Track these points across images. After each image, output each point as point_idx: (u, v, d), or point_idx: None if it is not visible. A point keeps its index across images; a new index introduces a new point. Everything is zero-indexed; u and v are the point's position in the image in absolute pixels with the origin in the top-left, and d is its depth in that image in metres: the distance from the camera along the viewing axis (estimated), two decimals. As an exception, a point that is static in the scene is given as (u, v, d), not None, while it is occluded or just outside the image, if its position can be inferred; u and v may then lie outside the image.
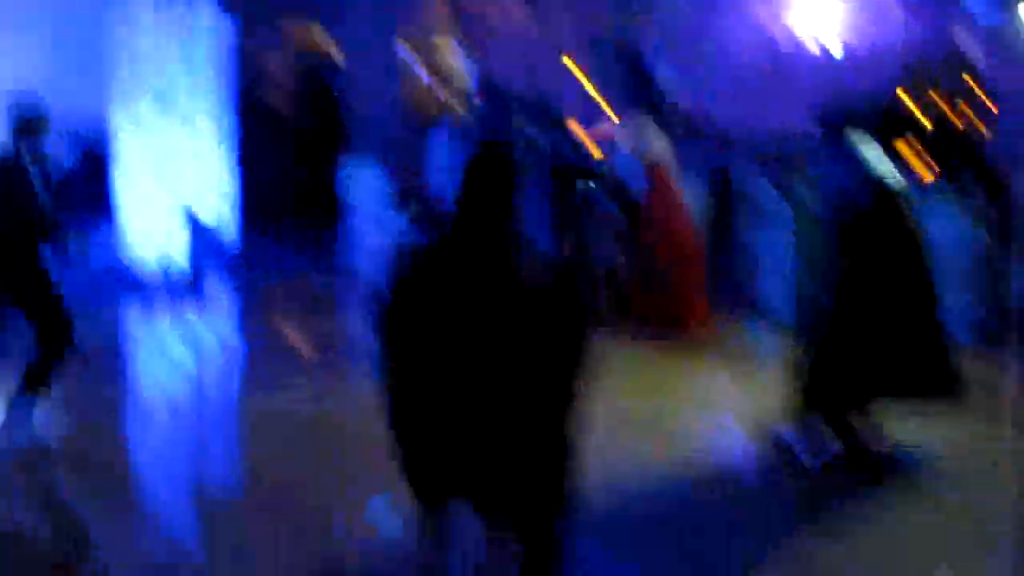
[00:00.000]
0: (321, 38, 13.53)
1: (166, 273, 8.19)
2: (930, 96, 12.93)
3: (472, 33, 16.12)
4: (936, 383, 4.86)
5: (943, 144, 11.61)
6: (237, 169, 10.17)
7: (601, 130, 7.74)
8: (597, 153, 7.17)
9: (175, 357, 7.00)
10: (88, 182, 9.07)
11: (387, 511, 4.02)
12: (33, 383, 5.03)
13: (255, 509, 4.43)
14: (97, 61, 8.12)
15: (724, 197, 9.16)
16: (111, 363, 6.68)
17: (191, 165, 9.09)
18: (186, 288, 8.32)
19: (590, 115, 8.63)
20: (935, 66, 13.26)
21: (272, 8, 13.12)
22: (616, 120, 7.49)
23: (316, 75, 11.69)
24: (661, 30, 16.15)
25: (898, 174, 5.00)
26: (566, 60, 15.07)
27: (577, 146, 7.21)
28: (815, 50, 15.12)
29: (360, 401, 3.31)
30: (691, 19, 16.07)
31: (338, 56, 12.70)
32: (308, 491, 4.50)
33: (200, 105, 9.08)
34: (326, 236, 10.18)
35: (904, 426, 4.94)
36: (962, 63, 13.20)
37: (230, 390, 6.48)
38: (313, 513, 4.27)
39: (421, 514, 3.03)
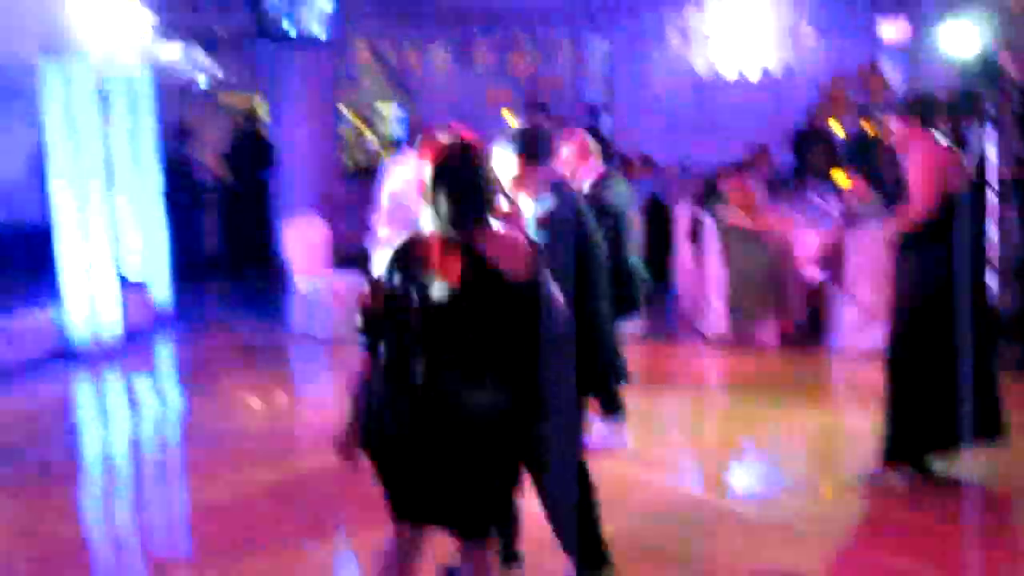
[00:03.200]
0: (254, 103, 13.77)
1: (101, 337, 8.16)
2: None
3: (411, 95, 16.47)
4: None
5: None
6: (170, 230, 10.27)
7: None
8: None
9: (115, 419, 7.00)
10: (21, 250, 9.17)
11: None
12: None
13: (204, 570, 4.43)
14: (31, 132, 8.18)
15: (658, 221, 9.42)
16: (52, 428, 6.67)
17: (124, 229, 9.16)
18: (122, 351, 8.30)
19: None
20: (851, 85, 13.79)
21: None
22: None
23: (249, 137, 11.87)
24: (599, 80, 16.66)
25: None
26: (504, 112, 15.41)
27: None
28: (737, 86, 15.66)
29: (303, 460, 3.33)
30: (622, 69, 16.59)
31: (268, 118, 12.94)
32: (257, 552, 4.51)
33: (133, 169, 9.16)
34: (263, 291, 10.30)
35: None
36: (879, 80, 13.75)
37: (170, 450, 6.45)
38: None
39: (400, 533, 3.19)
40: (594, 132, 8.48)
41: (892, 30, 14.61)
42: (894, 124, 4.95)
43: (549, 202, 3.79)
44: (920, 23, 13.39)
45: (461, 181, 3.05)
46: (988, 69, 6.52)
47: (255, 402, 7.07)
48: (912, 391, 4.85)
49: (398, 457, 3.05)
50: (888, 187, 8.82)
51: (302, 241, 8.91)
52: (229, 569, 4.36)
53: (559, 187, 3.89)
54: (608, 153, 6.84)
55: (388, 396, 3.04)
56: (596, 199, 5.14)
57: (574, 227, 3.76)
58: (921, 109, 4.84)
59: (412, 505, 3.11)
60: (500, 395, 2.99)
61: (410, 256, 3.04)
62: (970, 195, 4.81)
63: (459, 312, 2.97)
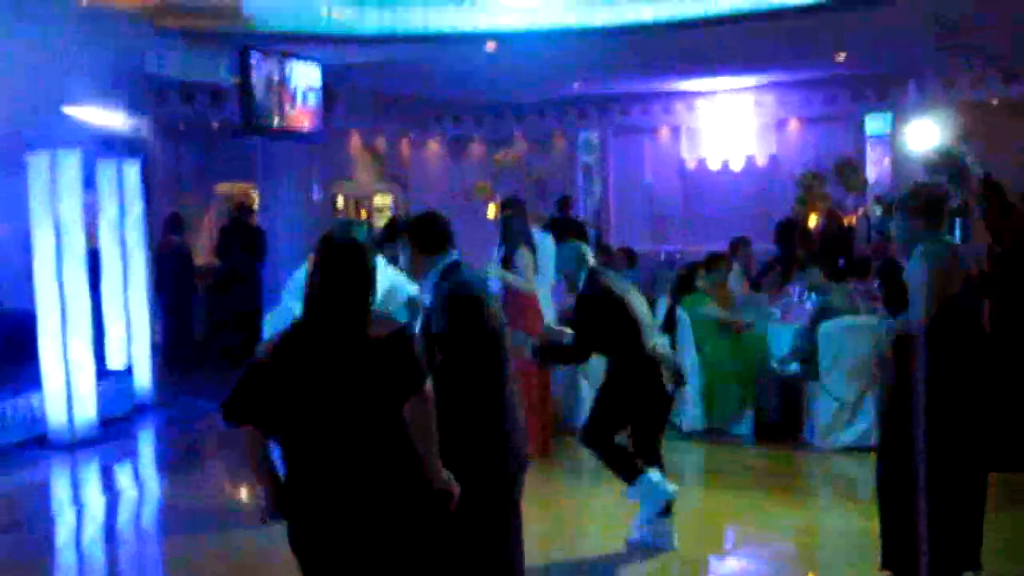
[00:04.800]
0: (244, 192, 13.97)
1: (77, 424, 8.17)
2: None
3: (403, 186, 16.73)
4: None
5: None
6: (160, 317, 10.36)
7: None
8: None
9: (87, 506, 7.00)
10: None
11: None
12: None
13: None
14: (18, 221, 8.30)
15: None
16: (26, 515, 6.66)
17: (109, 317, 9.26)
18: (99, 438, 8.30)
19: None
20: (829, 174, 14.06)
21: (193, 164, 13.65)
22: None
23: (241, 226, 12.02)
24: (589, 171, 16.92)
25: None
26: (490, 206, 15.61)
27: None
28: (722, 176, 15.90)
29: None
30: (611, 161, 16.85)
31: (257, 207, 13.12)
32: None
33: (120, 257, 9.28)
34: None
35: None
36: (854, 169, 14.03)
37: (150, 539, 6.44)
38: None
39: None
40: (563, 223, 8.60)
41: (876, 123, 14.91)
42: (897, 224, 4.72)
43: (443, 287, 3.92)
44: (902, 117, 13.66)
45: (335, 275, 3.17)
46: (950, 162, 6.57)
47: (231, 488, 7.04)
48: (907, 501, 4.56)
49: (326, 553, 3.09)
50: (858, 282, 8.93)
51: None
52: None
53: (452, 272, 3.97)
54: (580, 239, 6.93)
55: (300, 488, 3.12)
56: None
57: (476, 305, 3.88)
58: (926, 208, 4.57)
59: None
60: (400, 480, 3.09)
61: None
62: (970, 295, 4.58)
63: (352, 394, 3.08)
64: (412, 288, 4.87)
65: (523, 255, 7.12)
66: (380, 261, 3.80)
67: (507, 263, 7.12)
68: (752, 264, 10.26)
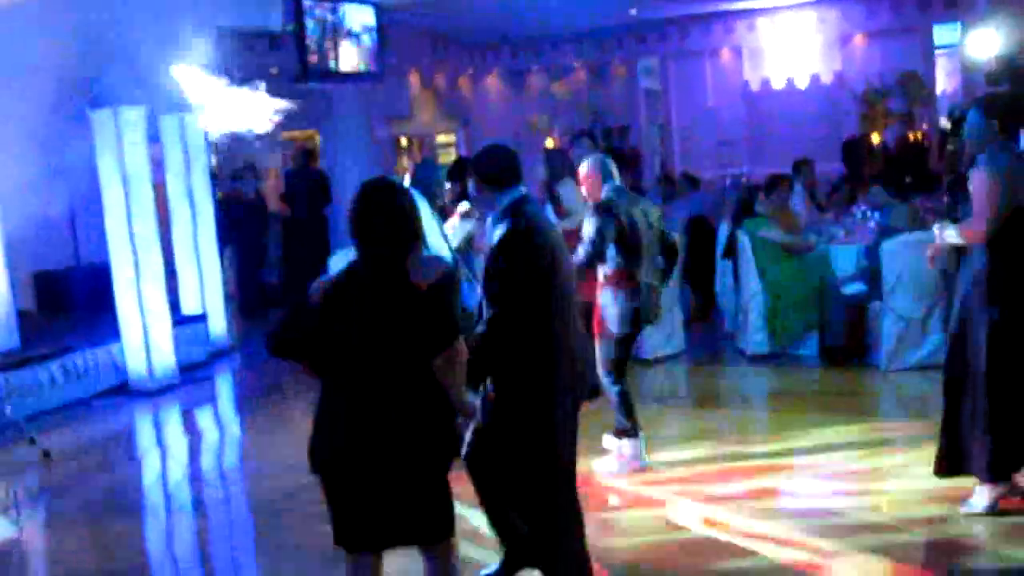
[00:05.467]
0: (307, 137, 14.12)
1: (157, 372, 8.46)
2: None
3: (464, 123, 16.74)
4: None
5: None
6: (234, 264, 10.61)
7: None
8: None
9: (179, 454, 7.28)
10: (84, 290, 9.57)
11: None
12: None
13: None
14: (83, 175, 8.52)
15: (702, 240, 9.44)
16: (112, 462, 6.97)
17: (181, 265, 9.52)
18: (179, 384, 8.59)
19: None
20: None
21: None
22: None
23: (306, 172, 12.16)
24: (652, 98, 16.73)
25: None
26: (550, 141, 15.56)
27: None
28: (786, 96, 15.58)
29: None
30: (673, 86, 16.63)
31: (320, 152, 13.25)
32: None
33: (189, 206, 9.51)
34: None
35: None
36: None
37: (233, 480, 6.68)
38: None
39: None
40: (614, 153, 8.53)
41: (945, 34, 14.49)
42: (970, 123, 4.64)
43: (503, 226, 3.83)
44: (972, 27, 13.25)
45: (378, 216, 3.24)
46: (1013, 71, 6.38)
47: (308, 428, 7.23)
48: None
49: (345, 480, 3.23)
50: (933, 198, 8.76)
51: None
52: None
53: (516, 209, 3.86)
54: (632, 172, 6.88)
55: (329, 418, 3.25)
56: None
57: (531, 249, 3.80)
58: (1005, 112, 4.54)
59: (363, 533, 3.28)
60: (424, 405, 3.19)
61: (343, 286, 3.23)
62: None
63: (385, 330, 3.15)
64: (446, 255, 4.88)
65: (569, 187, 6.97)
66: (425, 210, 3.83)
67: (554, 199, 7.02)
68: (815, 185, 10.12)
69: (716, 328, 9.32)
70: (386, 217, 3.21)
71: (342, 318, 3.19)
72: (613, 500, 5.40)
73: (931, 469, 4.87)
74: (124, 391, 8.39)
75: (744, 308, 8.17)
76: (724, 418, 6.81)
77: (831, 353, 7.84)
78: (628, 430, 5.68)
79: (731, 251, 8.40)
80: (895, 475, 5.46)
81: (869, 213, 8.52)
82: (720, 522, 4.93)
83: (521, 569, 4.15)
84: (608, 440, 5.78)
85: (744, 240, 8.05)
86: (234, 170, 11.93)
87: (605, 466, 5.68)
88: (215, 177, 10.95)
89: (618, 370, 5.62)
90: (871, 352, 7.70)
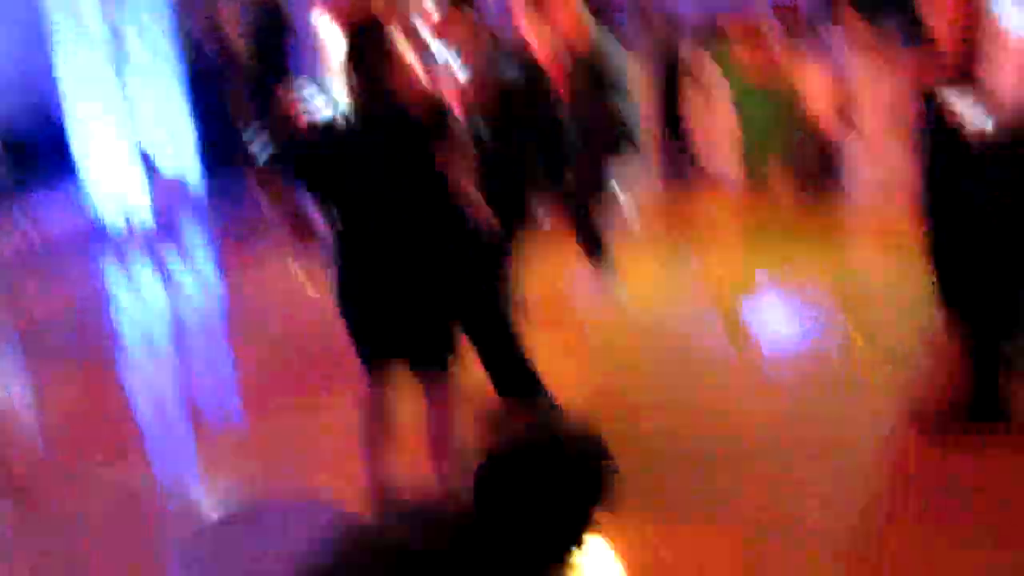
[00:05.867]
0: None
1: (132, 225, 8.40)
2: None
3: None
4: None
5: None
6: (194, 112, 10.36)
7: None
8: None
9: (153, 305, 7.29)
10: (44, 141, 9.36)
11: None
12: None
13: (246, 440, 4.67)
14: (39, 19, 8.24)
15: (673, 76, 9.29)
16: (89, 308, 6.98)
17: (147, 113, 9.31)
18: (154, 238, 8.53)
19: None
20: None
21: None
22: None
23: (268, 14, 11.72)
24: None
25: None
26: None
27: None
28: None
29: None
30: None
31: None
32: (292, 416, 4.76)
33: (151, 51, 9.25)
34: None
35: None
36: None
37: (209, 329, 6.72)
38: (302, 437, 4.51)
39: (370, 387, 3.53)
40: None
41: None
42: None
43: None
44: None
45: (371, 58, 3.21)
46: None
47: (290, 282, 7.24)
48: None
49: (362, 298, 3.35)
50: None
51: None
52: (272, 431, 4.63)
53: (494, 42, 3.99)
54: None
55: (342, 241, 3.32)
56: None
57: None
58: None
59: (376, 345, 3.43)
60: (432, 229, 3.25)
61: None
62: None
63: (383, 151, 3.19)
64: None
65: None
66: None
67: None
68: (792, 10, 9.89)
69: (685, 155, 9.24)
70: (376, 53, 3.20)
71: (345, 145, 3.25)
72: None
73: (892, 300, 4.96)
74: (97, 240, 8.34)
75: (716, 136, 8.15)
76: (696, 245, 6.92)
77: (802, 182, 7.86)
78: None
79: (701, 79, 8.29)
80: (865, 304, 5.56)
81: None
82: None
83: None
84: None
85: (714, 68, 7.97)
86: (194, 15, 11.50)
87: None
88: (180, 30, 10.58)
89: None
90: (841, 182, 7.72)
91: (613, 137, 5.33)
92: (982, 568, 3.10)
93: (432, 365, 3.47)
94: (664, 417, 4.32)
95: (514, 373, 4.14)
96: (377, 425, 3.54)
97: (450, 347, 3.49)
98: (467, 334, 4.03)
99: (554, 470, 1.61)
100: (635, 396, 4.59)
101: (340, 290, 3.38)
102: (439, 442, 3.53)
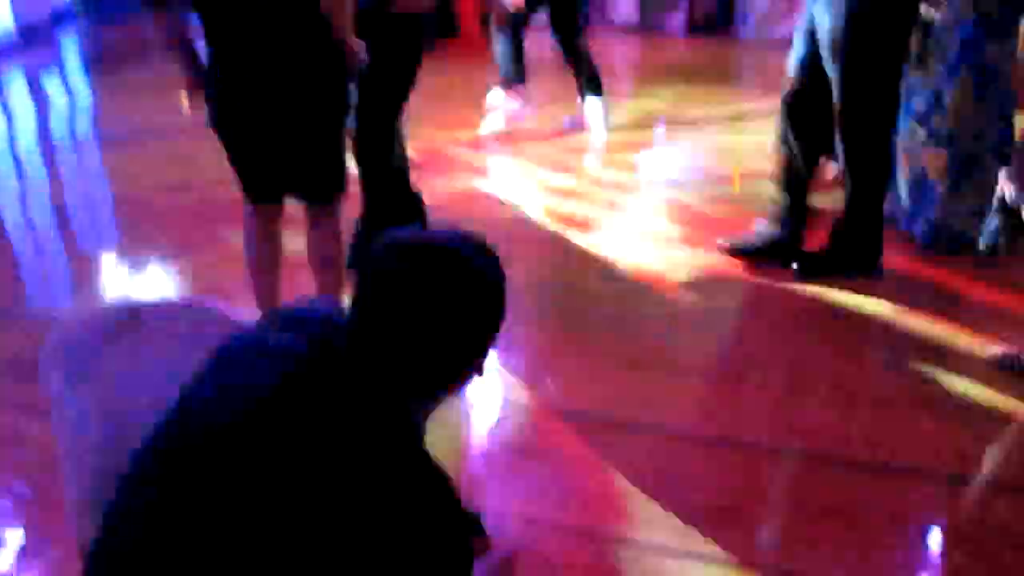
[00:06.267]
0: None
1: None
2: None
3: None
4: None
5: None
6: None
7: None
8: None
9: (27, 120, 6.92)
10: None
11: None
12: None
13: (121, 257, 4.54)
14: None
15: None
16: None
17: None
18: (19, 44, 8.07)
19: None
20: None
21: None
22: None
23: None
24: None
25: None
26: None
27: None
28: None
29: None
30: None
31: None
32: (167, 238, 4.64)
33: None
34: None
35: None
36: None
37: (87, 148, 6.43)
38: (180, 261, 4.41)
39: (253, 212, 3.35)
40: None
41: None
42: None
43: None
44: None
45: None
46: None
47: (160, 97, 6.96)
48: None
49: (241, 128, 3.15)
50: None
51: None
52: (149, 256, 4.48)
53: None
54: None
55: (222, 67, 3.09)
56: None
57: None
58: None
59: (260, 179, 3.27)
60: (317, 49, 3.05)
61: None
62: None
63: None
64: None
65: None
66: None
67: None
68: None
69: None
70: None
71: None
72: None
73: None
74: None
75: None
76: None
77: (699, 25, 7.84)
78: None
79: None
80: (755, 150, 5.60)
81: None
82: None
83: None
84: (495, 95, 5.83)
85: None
86: None
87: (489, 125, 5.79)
88: None
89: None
90: (739, 21, 7.71)
91: None
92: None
93: (319, 198, 3.35)
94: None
95: (398, 204, 4.08)
96: (263, 248, 3.43)
97: (340, 181, 3.34)
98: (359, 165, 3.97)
99: (459, 270, 1.45)
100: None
101: (218, 119, 3.17)
102: (325, 264, 3.44)
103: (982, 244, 3.45)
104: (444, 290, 1.42)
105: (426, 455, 1.40)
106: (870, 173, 3.89)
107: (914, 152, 4.14)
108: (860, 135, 3.81)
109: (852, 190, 3.93)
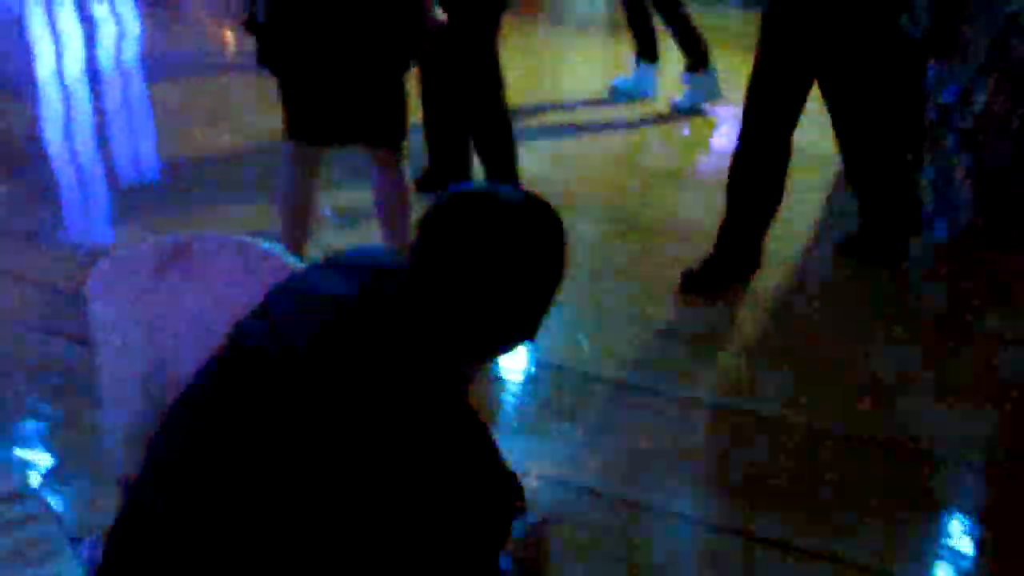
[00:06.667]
0: None
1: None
2: None
3: None
4: None
5: None
6: None
7: None
8: None
9: (69, 41, 6.93)
10: None
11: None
12: None
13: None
14: None
15: None
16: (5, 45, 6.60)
17: None
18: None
19: None
20: None
21: None
22: None
23: None
24: None
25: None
26: None
27: None
28: None
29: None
30: None
31: None
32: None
33: None
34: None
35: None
36: None
37: (129, 75, 6.40)
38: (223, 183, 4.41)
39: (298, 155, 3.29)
40: None
41: None
42: None
43: None
44: None
45: None
46: None
47: (211, 27, 6.95)
48: None
49: (304, 65, 3.09)
50: None
51: None
52: (191, 192, 4.46)
53: None
54: None
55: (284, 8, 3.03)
56: None
57: None
58: None
59: (317, 120, 3.19)
60: None
61: None
62: None
63: None
64: None
65: None
66: None
67: None
68: None
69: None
70: None
71: None
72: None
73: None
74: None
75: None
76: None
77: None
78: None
79: None
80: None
81: None
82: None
83: None
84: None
85: None
86: None
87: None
88: None
89: None
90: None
91: None
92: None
93: (386, 142, 3.26)
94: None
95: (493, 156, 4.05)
96: (301, 194, 3.33)
97: (404, 126, 3.26)
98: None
99: (522, 228, 1.39)
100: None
101: (278, 54, 3.10)
102: (393, 213, 3.36)
103: None
104: (505, 247, 1.37)
105: (470, 411, 1.38)
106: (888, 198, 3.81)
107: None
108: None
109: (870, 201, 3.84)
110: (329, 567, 1.27)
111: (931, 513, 2.67)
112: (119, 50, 6.86)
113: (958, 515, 2.67)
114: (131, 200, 4.51)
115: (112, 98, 5.94)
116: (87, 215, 4.50)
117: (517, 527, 1.56)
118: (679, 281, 3.65)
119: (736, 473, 2.77)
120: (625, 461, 2.78)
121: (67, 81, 6.13)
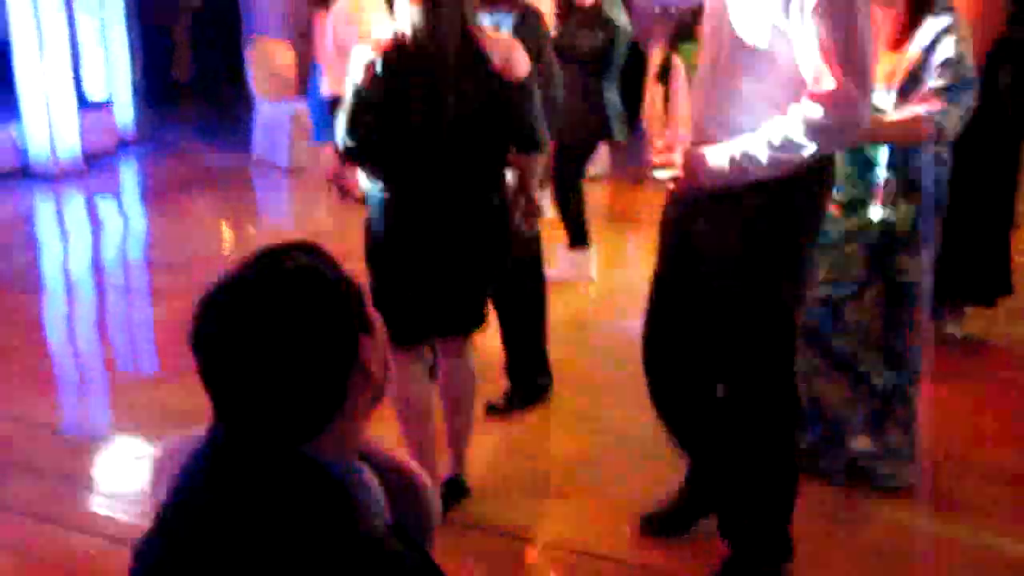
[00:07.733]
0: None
1: (60, 156, 8.11)
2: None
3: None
4: None
5: None
6: (140, 52, 10.06)
7: None
8: None
9: (76, 238, 7.01)
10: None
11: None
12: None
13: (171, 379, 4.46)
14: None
15: (634, 64, 9.20)
16: (12, 243, 6.67)
17: (87, 48, 8.98)
18: (82, 171, 8.26)
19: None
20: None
21: None
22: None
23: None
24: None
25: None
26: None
27: None
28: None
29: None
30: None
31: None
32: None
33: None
34: (231, 116, 10.18)
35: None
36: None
37: (132, 270, 6.48)
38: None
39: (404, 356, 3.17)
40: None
41: None
42: None
43: (509, 21, 3.68)
44: None
45: None
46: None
47: (214, 225, 7.07)
48: None
49: (411, 268, 3.07)
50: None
51: (267, 64, 8.72)
52: (190, 386, 4.37)
53: (524, 8, 3.78)
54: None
55: (398, 209, 3.02)
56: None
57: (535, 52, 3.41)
58: None
59: (415, 320, 3.13)
60: (494, 191, 3.06)
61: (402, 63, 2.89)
62: None
63: (464, 115, 2.90)
64: None
65: None
66: None
67: None
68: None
69: (639, 151, 9.20)
70: None
71: (401, 97, 2.89)
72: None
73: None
74: (25, 174, 8.03)
75: (671, 133, 8.06)
76: (645, 238, 6.82)
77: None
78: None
79: (664, 75, 8.23)
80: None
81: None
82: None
83: None
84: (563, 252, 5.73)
85: (678, 64, 7.88)
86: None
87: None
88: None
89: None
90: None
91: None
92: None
93: (461, 332, 3.25)
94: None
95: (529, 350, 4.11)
96: (422, 391, 3.22)
97: (483, 315, 3.26)
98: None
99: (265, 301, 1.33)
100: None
101: (387, 258, 3.05)
102: (460, 404, 3.32)
103: None
104: (260, 327, 1.31)
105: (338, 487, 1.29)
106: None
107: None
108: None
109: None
110: None
111: None
112: (124, 245, 6.94)
113: None
114: (133, 393, 4.44)
115: (113, 288, 5.98)
116: (82, 406, 4.41)
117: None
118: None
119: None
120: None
121: (74, 278, 6.19)
